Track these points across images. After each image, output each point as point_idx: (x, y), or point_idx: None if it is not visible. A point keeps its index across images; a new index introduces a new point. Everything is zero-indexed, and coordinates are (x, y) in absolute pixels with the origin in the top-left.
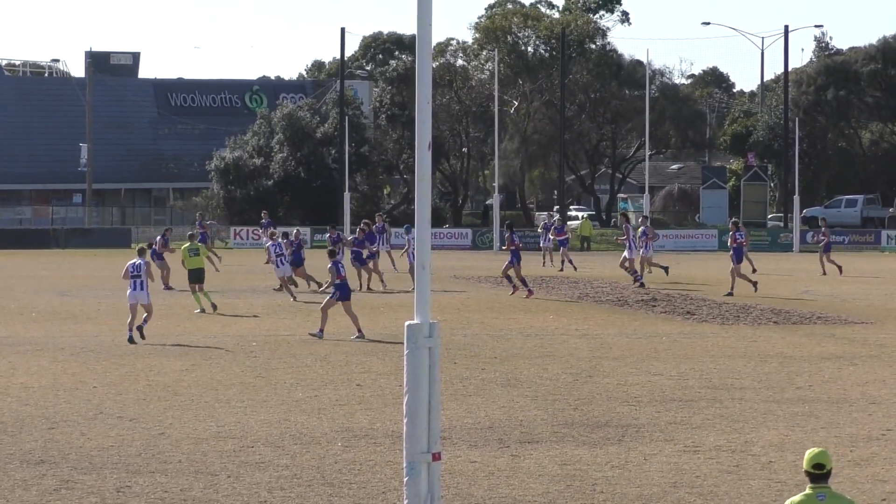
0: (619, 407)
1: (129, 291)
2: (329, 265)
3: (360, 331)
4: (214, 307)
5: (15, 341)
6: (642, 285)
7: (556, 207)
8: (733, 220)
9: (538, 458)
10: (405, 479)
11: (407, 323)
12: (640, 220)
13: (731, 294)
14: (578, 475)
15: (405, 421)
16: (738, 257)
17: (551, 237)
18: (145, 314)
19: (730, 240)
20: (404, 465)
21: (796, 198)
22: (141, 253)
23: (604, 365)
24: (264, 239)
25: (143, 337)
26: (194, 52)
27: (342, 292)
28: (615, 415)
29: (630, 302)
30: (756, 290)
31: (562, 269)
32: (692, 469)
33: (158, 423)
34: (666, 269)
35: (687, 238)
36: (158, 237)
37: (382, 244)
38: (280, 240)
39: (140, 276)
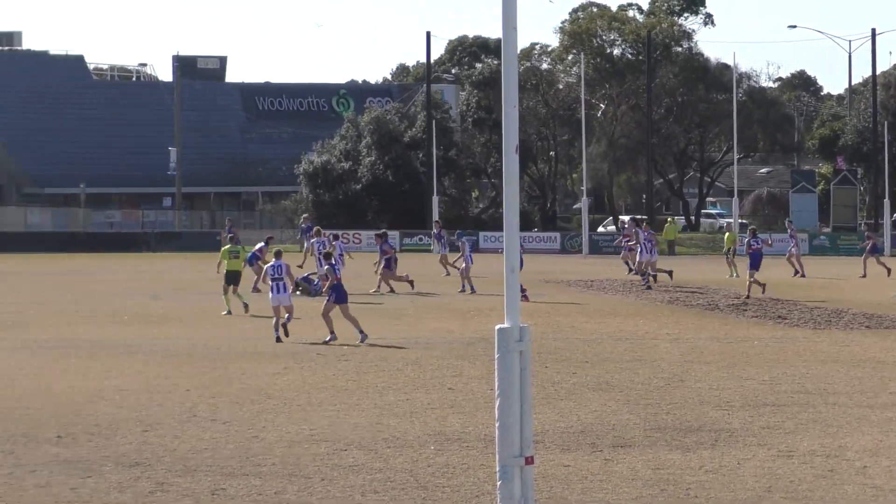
0: (712, 411)
1: (271, 294)
2: (325, 267)
3: (361, 332)
4: (246, 307)
5: (108, 344)
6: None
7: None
8: (750, 227)
9: (631, 463)
10: (498, 483)
11: (497, 327)
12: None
13: (748, 298)
14: (672, 480)
15: (497, 425)
16: (753, 263)
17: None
18: (287, 314)
19: (745, 247)
20: (497, 468)
21: (886, 202)
22: (278, 255)
23: (695, 369)
24: (306, 243)
25: (287, 335)
26: (280, 57)
27: (338, 294)
28: (707, 419)
29: (721, 306)
30: (754, 295)
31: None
32: (786, 474)
33: (252, 426)
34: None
35: (776, 242)
36: (226, 233)
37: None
38: (330, 238)
39: (282, 278)
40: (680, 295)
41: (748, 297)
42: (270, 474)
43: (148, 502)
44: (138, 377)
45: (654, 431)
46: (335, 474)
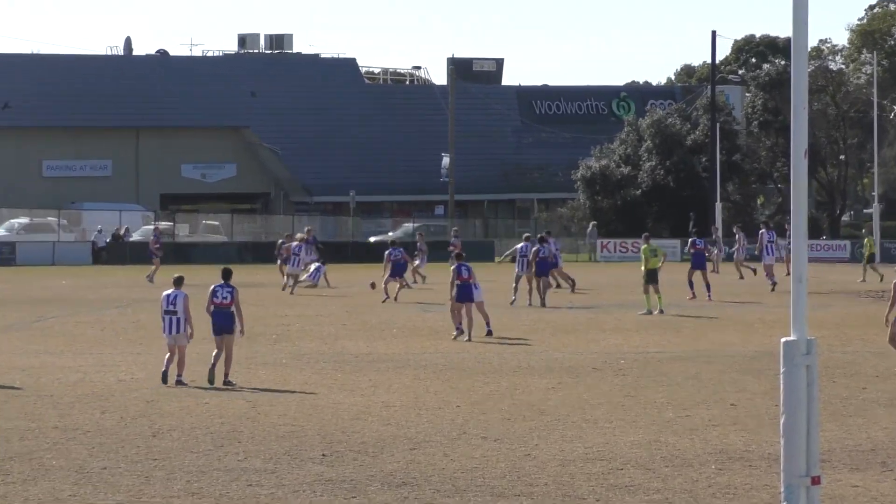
0: None
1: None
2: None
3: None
4: (661, 311)
5: (375, 358)
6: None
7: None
8: None
9: None
10: None
11: (783, 340)
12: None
13: None
14: None
15: (782, 442)
16: None
17: None
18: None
19: None
20: (782, 489)
21: None
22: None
23: None
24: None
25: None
26: (559, 59)
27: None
28: None
29: None
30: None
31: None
32: None
33: (524, 444)
34: None
35: None
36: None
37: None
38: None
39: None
40: None
41: None
42: (543, 494)
43: None
44: (406, 393)
45: None
46: (611, 495)
